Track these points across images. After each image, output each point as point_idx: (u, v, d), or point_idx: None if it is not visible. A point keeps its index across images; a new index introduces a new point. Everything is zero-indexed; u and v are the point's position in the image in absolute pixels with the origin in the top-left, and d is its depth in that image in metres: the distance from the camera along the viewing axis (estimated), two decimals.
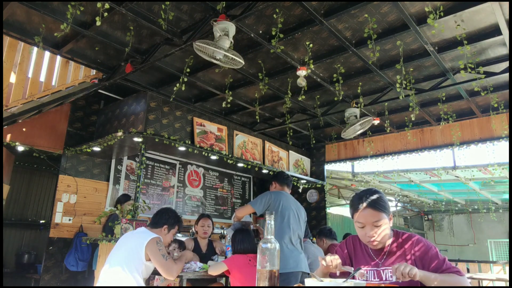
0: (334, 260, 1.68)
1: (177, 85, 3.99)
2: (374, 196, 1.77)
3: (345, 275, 1.79)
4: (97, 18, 3.05)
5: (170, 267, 2.77)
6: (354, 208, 1.80)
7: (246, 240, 3.23)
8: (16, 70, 4.23)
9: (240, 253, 3.18)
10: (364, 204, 1.75)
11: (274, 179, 3.76)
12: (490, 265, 6.33)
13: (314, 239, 4.73)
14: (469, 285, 1.63)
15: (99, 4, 3.03)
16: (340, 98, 4.67)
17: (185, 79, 4.10)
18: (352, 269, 1.69)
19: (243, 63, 3.31)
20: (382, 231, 1.74)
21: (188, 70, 4.15)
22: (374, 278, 1.76)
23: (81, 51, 4.23)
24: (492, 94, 4.68)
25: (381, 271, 1.75)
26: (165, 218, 3.03)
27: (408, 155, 6.60)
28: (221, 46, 3.12)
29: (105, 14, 3.10)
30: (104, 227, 4.74)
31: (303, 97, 4.43)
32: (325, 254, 4.13)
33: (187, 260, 3.20)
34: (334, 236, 4.50)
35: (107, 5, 3.09)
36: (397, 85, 4.25)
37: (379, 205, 1.74)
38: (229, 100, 4.47)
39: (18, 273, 6.35)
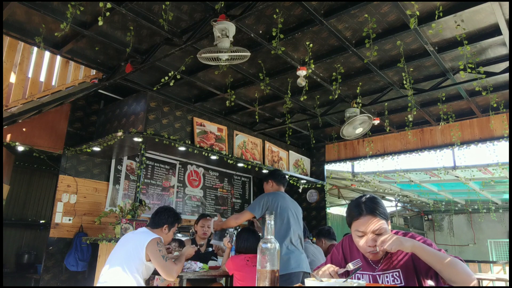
0: (326, 273, 1.60)
1: (165, 78, 3.94)
2: (373, 202, 1.69)
3: (344, 273, 1.77)
4: (99, 18, 3.05)
5: (170, 268, 2.77)
6: (351, 216, 1.70)
7: (251, 239, 3.24)
8: (16, 70, 4.23)
9: (242, 252, 3.21)
10: (364, 211, 1.66)
11: (271, 177, 3.69)
12: (490, 265, 6.34)
13: (314, 239, 4.72)
14: (469, 270, 1.51)
15: (101, 4, 3.03)
16: (336, 97, 4.65)
17: (178, 76, 4.07)
18: (348, 266, 1.63)
19: (249, 54, 3.27)
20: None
21: (183, 68, 4.12)
22: (370, 281, 1.70)
23: (81, 51, 4.23)
24: (492, 94, 4.68)
25: (377, 276, 1.69)
26: (165, 218, 3.03)
27: (408, 155, 6.60)
28: (221, 47, 3.12)
29: (107, 13, 3.10)
30: None
31: (305, 97, 4.43)
32: (325, 254, 4.13)
33: (189, 255, 3.19)
34: (333, 236, 4.49)
35: (109, 5, 3.09)
36: (404, 82, 4.24)
37: (379, 212, 1.66)
38: (232, 99, 4.46)
39: (18, 273, 6.36)
